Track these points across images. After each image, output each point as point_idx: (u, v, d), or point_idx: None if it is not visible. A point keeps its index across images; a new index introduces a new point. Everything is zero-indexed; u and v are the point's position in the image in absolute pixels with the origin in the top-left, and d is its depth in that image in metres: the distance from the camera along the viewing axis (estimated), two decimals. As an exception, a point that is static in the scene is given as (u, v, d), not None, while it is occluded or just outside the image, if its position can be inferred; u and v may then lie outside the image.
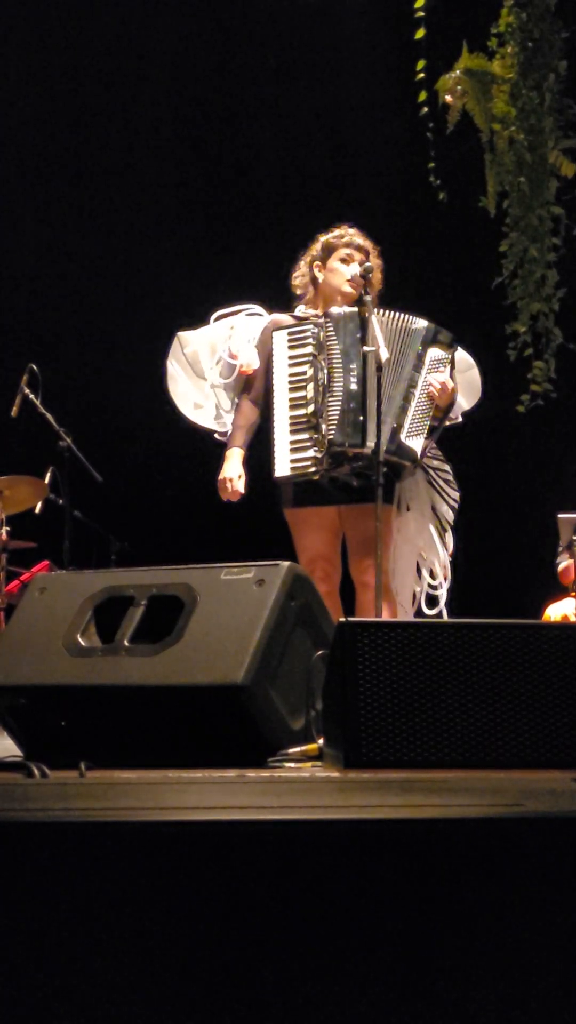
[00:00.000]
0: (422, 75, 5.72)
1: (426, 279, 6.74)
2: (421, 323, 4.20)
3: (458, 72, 5.76)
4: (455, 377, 4.25)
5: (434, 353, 4.20)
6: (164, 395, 4.43)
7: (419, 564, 4.31)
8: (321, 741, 2.76)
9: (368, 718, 2.36)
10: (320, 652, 2.92)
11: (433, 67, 5.79)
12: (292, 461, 4.11)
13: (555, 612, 6.48)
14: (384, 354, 3.97)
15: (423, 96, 5.77)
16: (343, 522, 4.22)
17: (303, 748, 2.79)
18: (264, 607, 2.87)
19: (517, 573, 7.15)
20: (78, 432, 6.21)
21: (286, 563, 3.00)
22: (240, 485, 4.18)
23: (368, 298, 4.12)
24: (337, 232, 4.34)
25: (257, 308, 4.36)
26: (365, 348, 4.05)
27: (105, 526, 6.69)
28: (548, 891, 1.42)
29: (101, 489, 6.17)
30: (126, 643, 2.99)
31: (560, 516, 6.34)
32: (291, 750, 2.79)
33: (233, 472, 4.18)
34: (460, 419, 4.42)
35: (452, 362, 4.25)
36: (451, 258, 7.15)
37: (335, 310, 4.17)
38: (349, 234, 4.32)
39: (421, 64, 5.75)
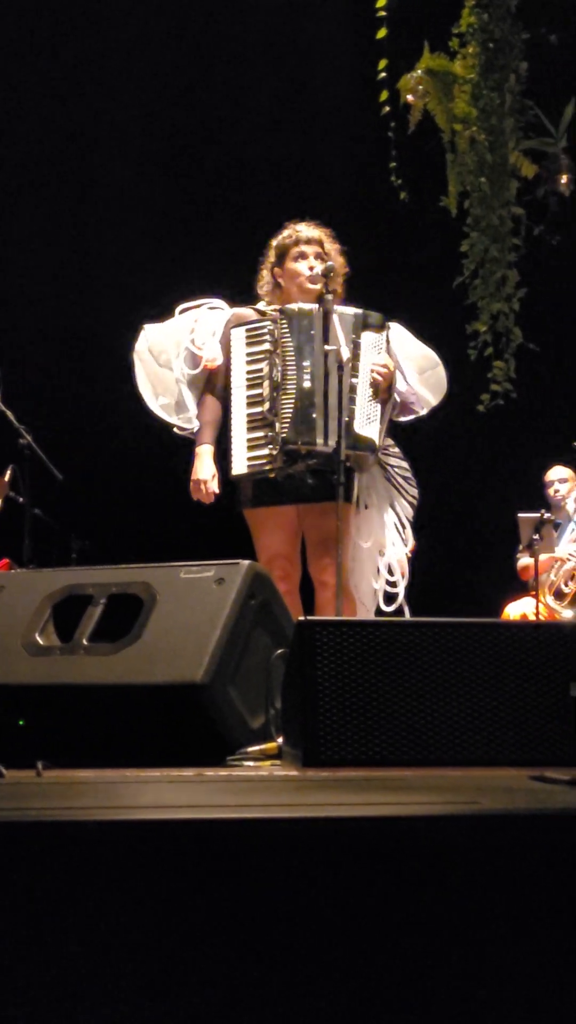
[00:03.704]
0: (384, 75, 5.73)
1: (387, 278, 6.75)
2: (350, 311, 4.20)
3: (419, 72, 5.77)
4: (392, 354, 4.25)
5: (368, 338, 4.20)
6: (126, 392, 4.41)
7: (378, 561, 4.31)
8: (280, 740, 2.76)
9: (327, 717, 2.37)
10: (279, 651, 2.92)
11: (395, 67, 5.80)
12: (248, 459, 4.11)
13: (514, 611, 6.52)
14: (345, 353, 3.97)
15: (384, 95, 5.78)
16: (302, 521, 4.22)
17: (262, 747, 2.79)
18: (224, 606, 2.86)
19: (477, 571, 7.19)
20: (38, 429, 6.18)
21: (246, 562, 2.99)
22: (214, 485, 4.15)
23: (329, 296, 4.11)
24: (285, 232, 4.31)
25: (219, 302, 4.34)
26: (327, 347, 4.05)
27: (66, 524, 6.66)
28: (504, 887, 1.43)
29: (62, 487, 6.15)
30: (85, 642, 2.98)
31: (520, 515, 6.37)
32: (250, 749, 2.79)
33: (207, 473, 4.15)
34: (424, 412, 4.40)
35: (387, 340, 4.25)
36: (412, 257, 7.17)
37: (290, 306, 4.16)
38: (296, 231, 4.29)
39: (383, 63, 5.76)
